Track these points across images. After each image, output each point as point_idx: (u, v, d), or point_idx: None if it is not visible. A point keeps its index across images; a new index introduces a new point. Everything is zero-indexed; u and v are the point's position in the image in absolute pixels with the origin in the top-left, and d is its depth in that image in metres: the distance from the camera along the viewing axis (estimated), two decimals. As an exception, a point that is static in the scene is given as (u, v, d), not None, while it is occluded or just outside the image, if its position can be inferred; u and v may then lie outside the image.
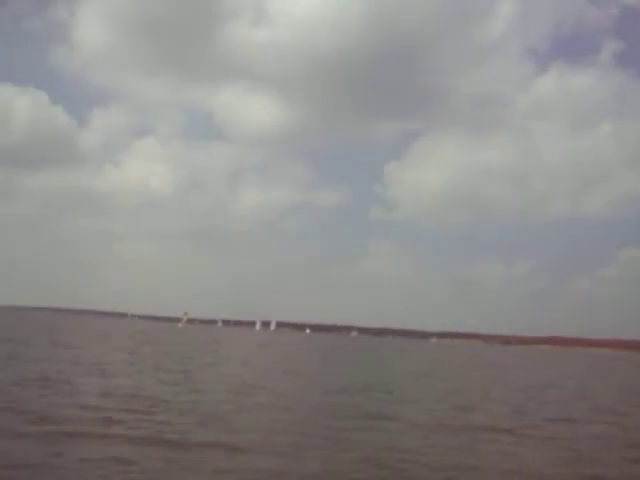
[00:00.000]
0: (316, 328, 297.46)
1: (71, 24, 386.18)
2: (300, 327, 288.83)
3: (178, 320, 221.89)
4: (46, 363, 25.99)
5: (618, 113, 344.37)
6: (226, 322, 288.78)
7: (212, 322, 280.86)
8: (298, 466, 11.16)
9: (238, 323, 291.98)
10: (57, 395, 17.23)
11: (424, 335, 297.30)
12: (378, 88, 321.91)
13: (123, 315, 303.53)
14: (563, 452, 14.08)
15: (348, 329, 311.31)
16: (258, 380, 26.73)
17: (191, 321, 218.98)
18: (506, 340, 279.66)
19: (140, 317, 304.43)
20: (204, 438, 12.90)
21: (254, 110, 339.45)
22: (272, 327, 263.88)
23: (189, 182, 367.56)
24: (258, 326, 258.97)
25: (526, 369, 61.93)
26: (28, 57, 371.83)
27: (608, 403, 27.12)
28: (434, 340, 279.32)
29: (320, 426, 15.26)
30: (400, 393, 25.79)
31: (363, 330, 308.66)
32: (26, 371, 22.22)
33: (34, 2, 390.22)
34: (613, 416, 21.99)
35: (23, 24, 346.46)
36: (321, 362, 48.20)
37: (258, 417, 16.37)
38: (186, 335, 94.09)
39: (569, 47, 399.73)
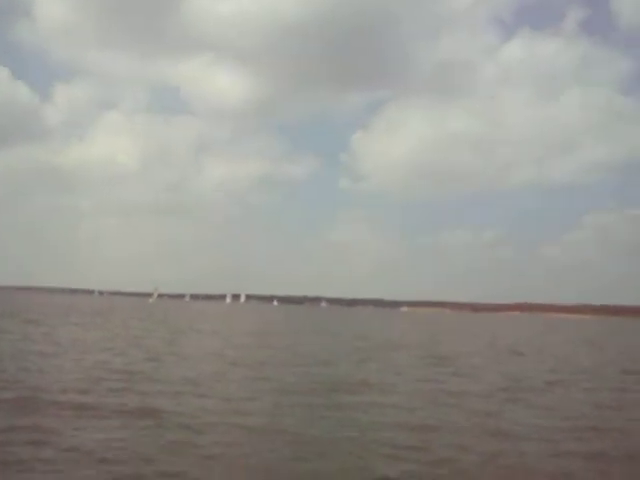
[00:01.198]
0: (286, 300, 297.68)
1: None
2: (270, 299, 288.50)
3: (147, 295, 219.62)
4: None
5: (583, 80, 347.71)
6: (195, 296, 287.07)
7: (181, 296, 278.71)
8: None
9: (208, 297, 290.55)
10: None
11: (395, 305, 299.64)
12: (345, 58, 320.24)
13: (90, 292, 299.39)
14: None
15: (318, 300, 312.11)
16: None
17: (161, 296, 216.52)
18: (475, 308, 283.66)
19: (109, 293, 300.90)
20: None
21: (220, 82, 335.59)
22: (242, 300, 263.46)
23: (155, 156, 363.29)
24: (228, 299, 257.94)
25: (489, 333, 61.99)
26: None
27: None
28: (405, 309, 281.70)
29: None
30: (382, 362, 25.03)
31: (333, 301, 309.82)
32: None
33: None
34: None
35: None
36: (291, 334, 47.30)
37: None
38: (158, 310, 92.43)
39: (534, 15, 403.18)
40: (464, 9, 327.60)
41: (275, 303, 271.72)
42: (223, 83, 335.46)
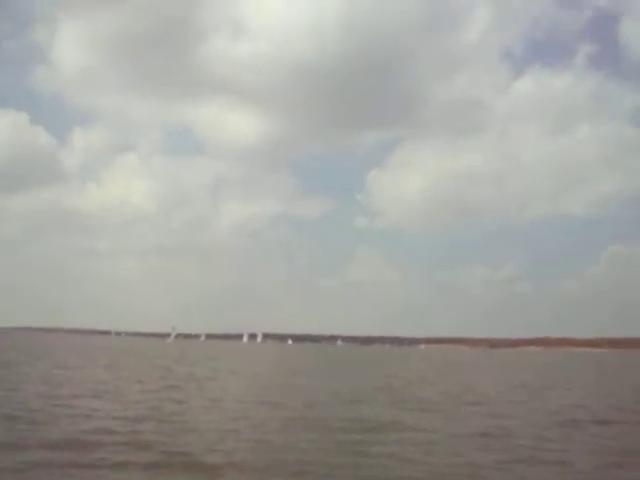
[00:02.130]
0: (302, 339, 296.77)
1: (51, 45, 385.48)
2: (286, 338, 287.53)
3: (164, 336, 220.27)
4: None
5: (595, 114, 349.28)
6: (211, 336, 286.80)
7: (197, 336, 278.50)
8: None
9: (225, 336, 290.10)
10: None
11: (412, 342, 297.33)
12: (358, 97, 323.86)
13: (106, 332, 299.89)
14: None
15: (334, 338, 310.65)
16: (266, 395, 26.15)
17: (177, 336, 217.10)
18: (492, 344, 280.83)
19: (127, 334, 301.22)
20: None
21: (235, 123, 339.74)
22: (259, 339, 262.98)
23: (171, 198, 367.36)
24: (245, 338, 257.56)
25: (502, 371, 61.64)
26: (8, 79, 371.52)
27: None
28: (423, 346, 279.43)
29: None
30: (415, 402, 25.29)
31: (349, 339, 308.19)
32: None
33: (14, 24, 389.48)
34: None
35: (2, 46, 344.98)
36: (310, 373, 47.51)
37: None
38: (178, 351, 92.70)
39: (544, 50, 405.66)
40: (475, 46, 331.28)
41: (290, 342, 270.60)
42: (238, 124, 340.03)
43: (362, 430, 16.19)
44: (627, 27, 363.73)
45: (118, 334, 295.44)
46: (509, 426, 17.73)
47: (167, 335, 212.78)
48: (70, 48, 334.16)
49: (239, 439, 14.42)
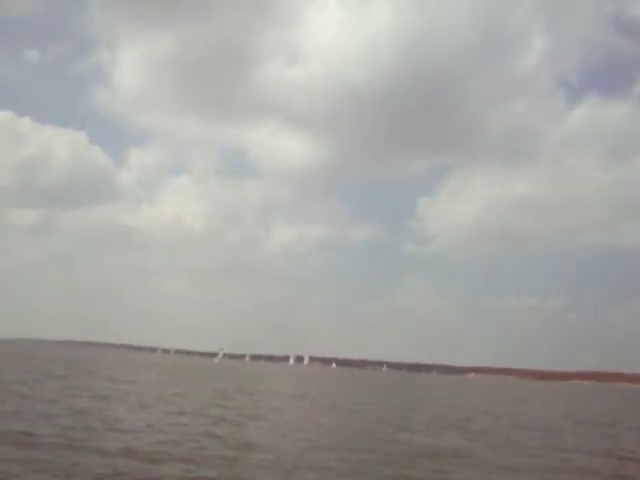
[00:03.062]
0: (346, 363, 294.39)
1: (111, 67, 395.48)
2: (330, 362, 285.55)
3: (209, 355, 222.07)
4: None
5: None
6: (256, 357, 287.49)
7: (242, 357, 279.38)
8: None
9: (269, 358, 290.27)
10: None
11: (459, 370, 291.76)
12: (410, 123, 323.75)
13: (153, 349, 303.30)
14: None
15: (379, 364, 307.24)
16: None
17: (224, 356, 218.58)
18: (540, 375, 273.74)
19: (174, 352, 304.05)
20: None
21: (287, 147, 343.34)
22: (305, 362, 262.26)
23: (222, 218, 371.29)
24: (292, 360, 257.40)
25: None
26: (69, 99, 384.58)
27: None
28: (471, 375, 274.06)
29: None
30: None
31: (394, 365, 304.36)
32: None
33: (78, 47, 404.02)
34: None
35: (66, 68, 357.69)
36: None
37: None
38: (229, 371, 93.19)
39: (601, 79, 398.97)
40: (530, 74, 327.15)
41: (334, 365, 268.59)
42: (290, 147, 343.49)
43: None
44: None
45: (165, 351, 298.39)
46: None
47: (214, 354, 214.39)
48: (129, 70, 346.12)
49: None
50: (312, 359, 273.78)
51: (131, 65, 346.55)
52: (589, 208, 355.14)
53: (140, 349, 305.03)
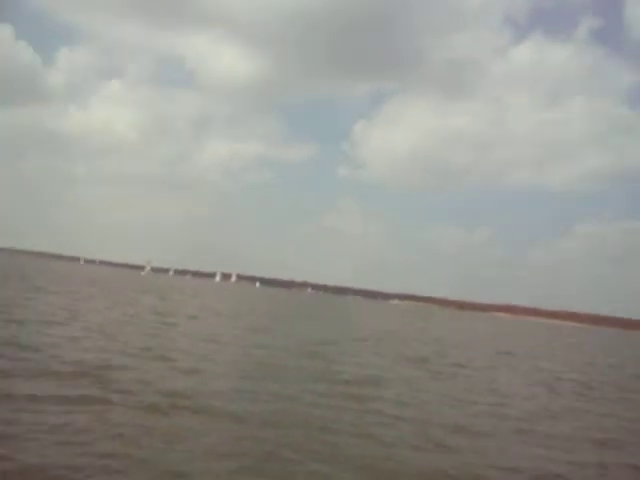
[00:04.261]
0: (273, 283, 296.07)
1: None
2: (260, 281, 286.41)
3: (135, 268, 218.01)
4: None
5: (589, 89, 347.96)
6: (182, 272, 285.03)
7: (166, 271, 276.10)
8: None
9: (196, 274, 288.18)
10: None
11: (384, 296, 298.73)
12: (354, 47, 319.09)
13: (76, 259, 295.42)
14: None
15: (304, 285, 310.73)
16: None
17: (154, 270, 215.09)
18: (461, 306, 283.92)
19: (100, 262, 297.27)
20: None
21: (226, 58, 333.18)
22: (233, 279, 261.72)
23: (155, 128, 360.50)
24: (218, 278, 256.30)
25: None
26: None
27: None
28: (395, 302, 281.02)
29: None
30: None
31: (321, 287, 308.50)
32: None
33: None
34: None
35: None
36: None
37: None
38: (161, 284, 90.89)
39: (548, 19, 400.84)
40: (478, 7, 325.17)
41: (257, 285, 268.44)
42: (229, 59, 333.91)
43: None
44: (633, 5, 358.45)
45: (89, 262, 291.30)
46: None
47: (140, 267, 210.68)
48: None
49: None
50: (239, 277, 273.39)
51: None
52: (522, 146, 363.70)
53: (62, 258, 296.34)
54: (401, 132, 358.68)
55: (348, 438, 9.54)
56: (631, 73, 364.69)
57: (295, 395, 12.24)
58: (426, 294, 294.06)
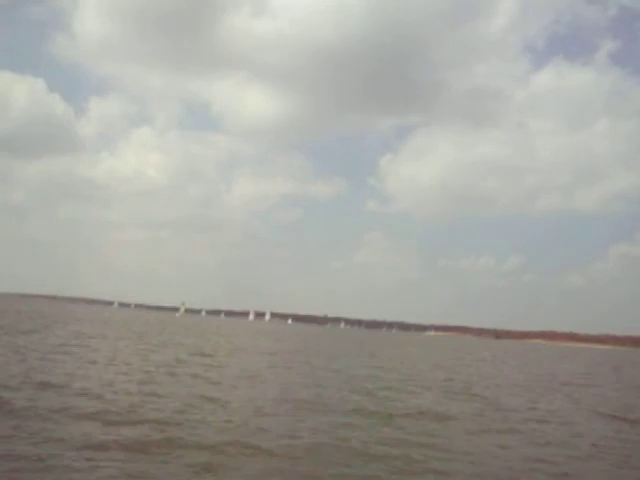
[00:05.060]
0: (307, 319, 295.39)
1: (73, 13, 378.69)
2: (293, 318, 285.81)
3: (170, 310, 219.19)
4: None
5: (613, 111, 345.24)
6: (212, 312, 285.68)
7: (198, 312, 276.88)
8: None
9: (230, 313, 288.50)
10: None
11: (420, 328, 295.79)
12: (377, 82, 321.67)
13: (109, 303, 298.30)
14: None
15: (338, 321, 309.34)
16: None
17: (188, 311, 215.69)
18: (497, 334, 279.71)
19: (135, 306, 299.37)
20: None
21: (252, 101, 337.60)
22: (267, 318, 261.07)
23: (184, 172, 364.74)
24: (251, 316, 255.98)
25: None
26: (28, 45, 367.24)
27: None
28: (432, 333, 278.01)
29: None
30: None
31: (354, 322, 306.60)
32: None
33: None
34: None
35: (25, 11, 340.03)
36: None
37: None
38: (196, 324, 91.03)
39: (567, 45, 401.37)
40: (496, 37, 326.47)
41: (289, 322, 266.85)
42: (255, 102, 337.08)
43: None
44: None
45: (123, 305, 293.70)
46: None
47: (174, 309, 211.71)
48: (92, 16, 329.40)
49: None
50: (274, 315, 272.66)
51: (93, 11, 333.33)
52: (549, 172, 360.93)
53: (96, 302, 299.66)
54: (427, 164, 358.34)
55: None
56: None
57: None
58: (461, 324, 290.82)
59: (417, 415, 14.76)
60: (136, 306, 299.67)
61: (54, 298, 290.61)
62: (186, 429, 10.85)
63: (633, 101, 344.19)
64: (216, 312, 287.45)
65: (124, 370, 18.99)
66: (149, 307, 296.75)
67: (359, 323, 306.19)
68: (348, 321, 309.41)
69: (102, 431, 10.25)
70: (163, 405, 12.95)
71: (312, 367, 27.04)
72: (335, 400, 16.02)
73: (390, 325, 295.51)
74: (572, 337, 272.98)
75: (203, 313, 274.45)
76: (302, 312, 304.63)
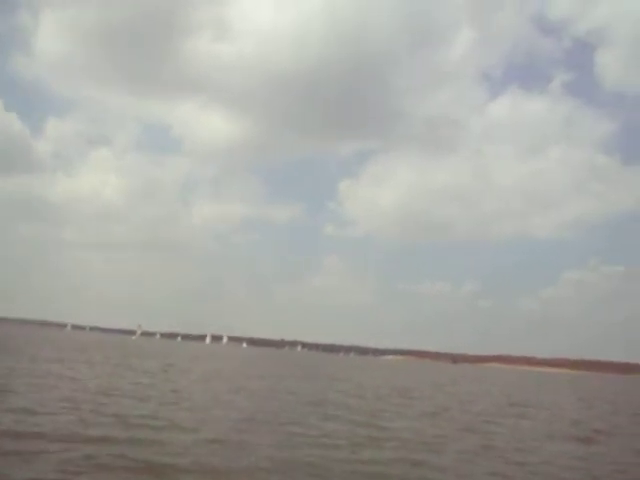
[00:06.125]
0: (264, 343, 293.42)
1: (32, 31, 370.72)
2: (248, 341, 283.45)
3: (126, 332, 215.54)
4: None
5: (567, 139, 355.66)
6: (167, 335, 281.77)
7: (153, 335, 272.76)
8: None
9: (186, 336, 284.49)
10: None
11: (377, 352, 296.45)
12: (336, 107, 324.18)
13: (62, 325, 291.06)
14: None
15: (295, 344, 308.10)
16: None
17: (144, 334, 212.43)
18: (454, 359, 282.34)
19: (91, 328, 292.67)
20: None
21: (211, 124, 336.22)
22: (224, 341, 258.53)
23: (142, 194, 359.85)
24: (208, 340, 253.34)
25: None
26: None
27: None
28: (390, 357, 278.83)
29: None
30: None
31: (312, 346, 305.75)
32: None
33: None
34: None
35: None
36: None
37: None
38: (153, 348, 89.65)
39: (522, 74, 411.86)
40: (455, 65, 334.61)
41: (244, 345, 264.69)
42: (215, 125, 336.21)
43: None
44: (603, 58, 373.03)
45: (76, 327, 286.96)
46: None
47: (130, 332, 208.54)
48: (51, 36, 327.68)
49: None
50: (231, 339, 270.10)
51: (54, 31, 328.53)
52: (505, 198, 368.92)
53: (46, 324, 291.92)
54: (386, 189, 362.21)
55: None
56: (606, 122, 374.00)
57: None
58: (418, 348, 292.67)
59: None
60: (91, 329, 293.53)
61: (4, 320, 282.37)
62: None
63: (587, 129, 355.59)
64: (173, 335, 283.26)
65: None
66: (103, 329, 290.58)
67: (316, 347, 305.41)
68: (305, 345, 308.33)
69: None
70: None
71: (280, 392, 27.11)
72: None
73: (348, 349, 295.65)
74: (528, 361, 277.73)
75: (157, 336, 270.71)
76: (259, 335, 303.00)
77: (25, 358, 33.05)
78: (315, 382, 38.97)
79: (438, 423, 19.84)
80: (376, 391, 34.37)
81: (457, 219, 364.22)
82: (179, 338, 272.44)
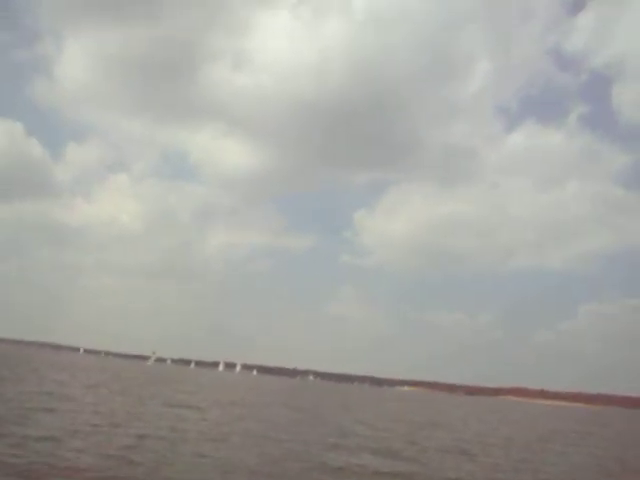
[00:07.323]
0: (275, 371, 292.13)
1: (55, 59, 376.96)
2: (261, 370, 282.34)
3: (140, 358, 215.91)
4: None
5: (584, 172, 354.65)
6: (179, 361, 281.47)
7: (164, 360, 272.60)
8: None
9: (199, 363, 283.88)
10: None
11: (391, 383, 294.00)
12: (353, 138, 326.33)
13: (75, 349, 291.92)
14: None
15: (307, 374, 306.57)
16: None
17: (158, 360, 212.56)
18: (469, 390, 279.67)
19: (105, 353, 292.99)
20: None
21: (229, 152, 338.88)
22: (238, 369, 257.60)
23: (159, 220, 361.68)
24: (221, 367, 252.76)
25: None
26: (8, 88, 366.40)
27: None
28: (404, 388, 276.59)
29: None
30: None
31: (324, 375, 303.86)
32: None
33: (23, 35, 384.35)
34: None
35: (7, 55, 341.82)
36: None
37: None
38: (171, 375, 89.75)
39: (539, 107, 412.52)
40: (472, 98, 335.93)
41: (255, 373, 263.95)
42: (232, 153, 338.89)
43: None
44: (620, 91, 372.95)
45: (89, 352, 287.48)
46: None
47: (144, 357, 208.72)
48: (74, 64, 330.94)
49: None
50: (245, 366, 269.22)
51: (76, 59, 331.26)
52: (521, 230, 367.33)
53: (61, 348, 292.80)
54: (402, 219, 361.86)
55: None
56: (623, 155, 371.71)
57: None
58: (433, 379, 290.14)
59: None
60: (106, 354, 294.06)
61: (20, 342, 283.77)
62: None
63: (604, 162, 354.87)
64: (186, 362, 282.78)
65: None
66: (117, 354, 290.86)
67: (329, 376, 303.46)
68: (318, 374, 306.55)
69: None
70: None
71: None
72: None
73: (362, 379, 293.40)
74: (543, 394, 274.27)
75: (168, 361, 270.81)
76: (271, 364, 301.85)
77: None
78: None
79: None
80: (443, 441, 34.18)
81: (473, 250, 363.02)
82: (192, 364, 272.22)
